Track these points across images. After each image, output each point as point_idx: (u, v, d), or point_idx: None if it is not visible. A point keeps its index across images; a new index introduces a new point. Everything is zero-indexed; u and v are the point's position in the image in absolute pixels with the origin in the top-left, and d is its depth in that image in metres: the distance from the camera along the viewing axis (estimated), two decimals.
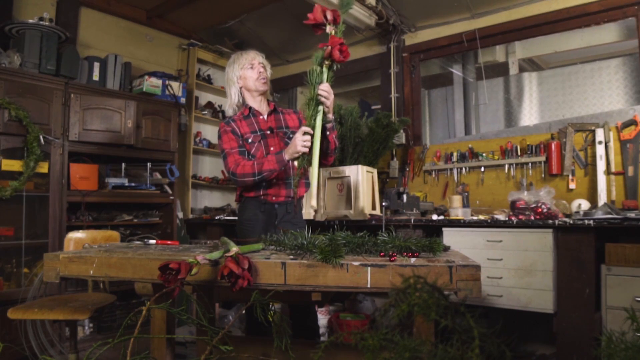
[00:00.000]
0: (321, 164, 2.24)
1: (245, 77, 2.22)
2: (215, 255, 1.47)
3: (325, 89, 1.83)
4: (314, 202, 1.83)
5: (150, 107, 3.76)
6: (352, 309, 3.56)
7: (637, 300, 2.29)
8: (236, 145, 2.14)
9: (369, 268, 1.38)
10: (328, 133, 2.04)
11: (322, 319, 3.44)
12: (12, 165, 2.95)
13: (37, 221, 3.12)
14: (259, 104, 2.27)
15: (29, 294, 2.56)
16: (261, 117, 2.24)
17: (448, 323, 0.54)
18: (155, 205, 3.94)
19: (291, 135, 2.22)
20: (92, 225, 3.38)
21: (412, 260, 1.43)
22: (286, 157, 1.98)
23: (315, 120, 1.86)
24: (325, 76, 1.85)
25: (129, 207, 3.80)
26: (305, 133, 1.88)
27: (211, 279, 1.50)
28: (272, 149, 2.18)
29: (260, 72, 2.21)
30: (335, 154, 2.20)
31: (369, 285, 1.38)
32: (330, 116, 1.99)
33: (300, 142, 1.89)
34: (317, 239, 1.71)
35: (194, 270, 1.36)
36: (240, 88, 2.25)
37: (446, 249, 1.74)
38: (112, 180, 3.55)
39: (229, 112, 2.29)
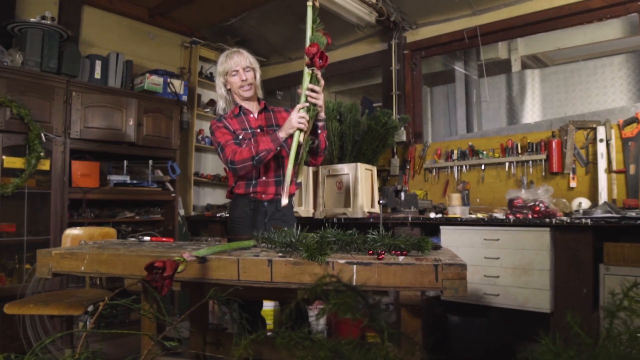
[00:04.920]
0: (309, 164, 2.25)
1: (231, 82, 2.21)
2: (203, 252, 1.48)
3: (313, 90, 1.85)
4: (285, 201, 1.85)
5: (151, 104, 3.78)
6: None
7: (635, 300, 2.26)
8: (231, 138, 2.14)
9: (355, 266, 1.38)
10: (319, 132, 2.04)
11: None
12: (14, 162, 2.98)
13: (38, 218, 3.15)
14: (249, 104, 2.28)
15: (28, 289, 2.59)
16: (251, 115, 2.25)
17: (367, 323, 0.54)
18: (157, 203, 3.97)
19: None
20: (93, 222, 3.41)
21: (400, 258, 1.43)
22: (281, 134, 1.96)
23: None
24: (308, 79, 1.86)
25: (131, 204, 3.83)
26: (301, 109, 1.88)
27: (200, 276, 1.51)
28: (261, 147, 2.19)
29: (244, 80, 2.18)
30: (324, 154, 2.20)
31: (354, 284, 1.38)
32: (322, 115, 2.00)
33: (296, 118, 1.87)
34: (306, 236, 1.72)
35: (180, 268, 1.37)
36: (229, 90, 2.26)
37: (437, 247, 1.74)
38: (114, 178, 3.58)
39: (220, 112, 2.30)
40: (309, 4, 1.84)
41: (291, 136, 1.92)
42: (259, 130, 2.21)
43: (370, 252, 1.50)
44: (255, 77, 2.24)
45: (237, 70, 2.18)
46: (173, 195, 3.94)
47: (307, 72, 1.86)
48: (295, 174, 1.93)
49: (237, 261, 1.46)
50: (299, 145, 1.89)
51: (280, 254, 1.51)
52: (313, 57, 1.80)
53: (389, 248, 1.51)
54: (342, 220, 3.18)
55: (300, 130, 1.87)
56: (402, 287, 1.36)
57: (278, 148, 2.02)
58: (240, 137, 2.18)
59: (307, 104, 1.89)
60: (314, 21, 1.84)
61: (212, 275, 1.49)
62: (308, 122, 1.89)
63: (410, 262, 1.37)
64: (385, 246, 1.52)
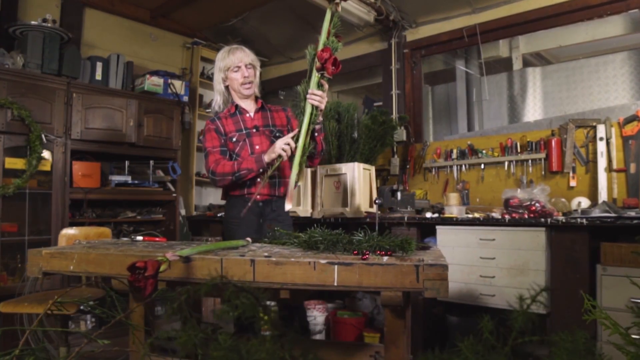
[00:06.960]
0: (306, 166, 2.25)
1: (231, 79, 2.21)
2: (187, 251, 1.49)
3: (319, 93, 1.84)
4: (288, 206, 1.85)
5: (152, 105, 3.81)
6: (352, 307, 3.56)
7: (632, 301, 2.22)
8: (218, 145, 2.16)
9: (336, 266, 1.38)
10: (316, 135, 2.04)
11: (320, 316, 3.44)
12: (15, 163, 3.03)
13: (40, 218, 3.19)
14: (246, 102, 2.28)
15: (26, 288, 2.63)
16: (247, 115, 2.25)
17: (269, 323, 0.54)
18: (159, 203, 4.00)
19: (277, 134, 2.23)
20: (95, 222, 3.45)
21: (385, 259, 1.43)
22: (265, 158, 2.01)
23: (303, 121, 1.89)
24: (316, 83, 1.85)
25: (133, 204, 3.87)
26: (290, 139, 1.93)
27: (184, 275, 1.52)
28: (257, 147, 2.19)
29: (245, 77, 2.19)
30: (321, 156, 2.20)
31: (335, 284, 1.38)
32: (320, 118, 1.99)
33: (280, 144, 1.93)
34: (294, 236, 1.72)
35: (162, 268, 1.38)
36: (227, 87, 2.26)
37: (425, 247, 1.73)
38: (116, 178, 3.61)
39: (215, 108, 2.31)
40: (330, 7, 1.82)
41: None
42: (254, 130, 2.22)
43: (355, 252, 1.50)
44: (255, 75, 2.25)
45: (240, 66, 2.18)
46: (174, 195, 3.97)
47: (316, 75, 1.85)
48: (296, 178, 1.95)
49: (220, 261, 1.47)
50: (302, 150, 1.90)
51: (265, 254, 1.51)
52: (325, 62, 1.79)
53: (374, 248, 1.51)
54: (340, 220, 3.17)
55: (280, 156, 1.94)
56: (383, 287, 1.36)
57: (260, 170, 2.06)
58: (234, 139, 2.19)
59: (292, 142, 1.93)
60: (330, 24, 1.82)
61: (196, 275, 1.50)
62: (309, 125, 1.89)
63: (392, 263, 1.37)
64: (370, 246, 1.52)
